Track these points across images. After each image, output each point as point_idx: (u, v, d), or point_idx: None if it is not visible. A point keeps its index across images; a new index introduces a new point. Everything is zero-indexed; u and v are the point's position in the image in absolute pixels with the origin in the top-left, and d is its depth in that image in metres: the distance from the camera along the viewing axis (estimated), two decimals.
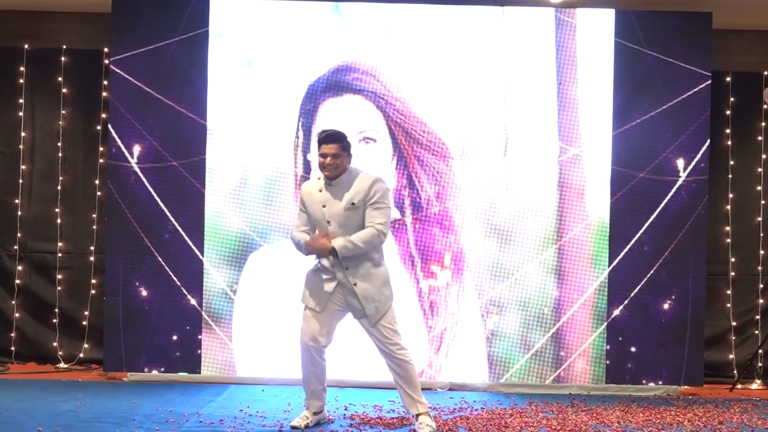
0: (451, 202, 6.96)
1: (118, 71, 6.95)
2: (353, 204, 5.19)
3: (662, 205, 7.01)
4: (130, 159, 6.92)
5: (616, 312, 6.99)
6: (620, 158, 7.01)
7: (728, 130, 7.81)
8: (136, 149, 6.93)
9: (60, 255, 7.66)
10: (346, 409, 5.88)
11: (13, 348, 7.60)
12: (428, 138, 6.97)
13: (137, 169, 6.92)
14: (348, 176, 5.28)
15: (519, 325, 6.94)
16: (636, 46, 7.01)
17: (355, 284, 5.19)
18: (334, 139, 5.25)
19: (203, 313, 6.92)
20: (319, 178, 5.34)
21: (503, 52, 7.00)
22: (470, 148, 6.97)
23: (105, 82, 7.55)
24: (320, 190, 5.28)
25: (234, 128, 6.96)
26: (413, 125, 6.91)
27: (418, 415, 5.28)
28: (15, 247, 7.66)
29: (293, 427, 5.28)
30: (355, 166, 5.40)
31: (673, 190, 7.01)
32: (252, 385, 6.82)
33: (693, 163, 7.03)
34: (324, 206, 5.22)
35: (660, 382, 7.00)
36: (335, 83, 7.00)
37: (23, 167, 7.69)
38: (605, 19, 7.02)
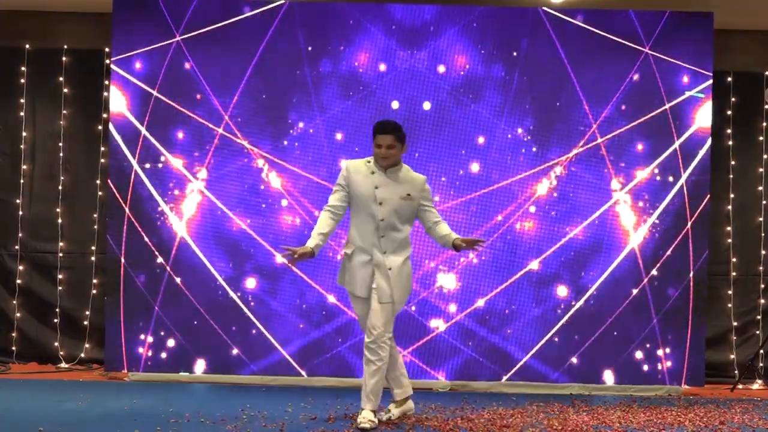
0: (451, 202, 6.96)
1: (119, 71, 6.95)
2: (409, 195, 5.38)
3: (663, 205, 7.01)
4: (130, 159, 6.92)
5: (618, 312, 6.99)
6: (621, 158, 7.00)
7: (729, 130, 7.81)
8: (137, 149, 6.93)
9: (61, 255, 7.66)
10: (346, 410, 5.87)
11: (14, 348, 7.61)
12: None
13: (138, 169, 6.92)
14: (401, 167, 5.44)
15: (520, 326, 6.93)
16: (636, 46, 7.01)
17: (389, 268, 5.34)
18: (389, 129, 5.38)
19: (204, 312, 6.92)
20: (368, 162, 5.44)
21: (504, 52, 6.99)
22: (470, 148, 6.96)
23: (105, 82, 7.56)
24: (372, 172, 5.39)
25: (234, 128, 6.96)
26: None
27: (362, 410, 5.35)
28: (16, 247, 7.66)
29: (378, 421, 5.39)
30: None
31: (675, 190, 7.00)
32: (253, 385, 6.82)
33: (694, 163, 7.02)
34: (377, 187, 5.35)
35: (661, 383, 7.00)
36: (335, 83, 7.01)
37: (24, 167, 7.69)
38: (605, 18, 7.02)
